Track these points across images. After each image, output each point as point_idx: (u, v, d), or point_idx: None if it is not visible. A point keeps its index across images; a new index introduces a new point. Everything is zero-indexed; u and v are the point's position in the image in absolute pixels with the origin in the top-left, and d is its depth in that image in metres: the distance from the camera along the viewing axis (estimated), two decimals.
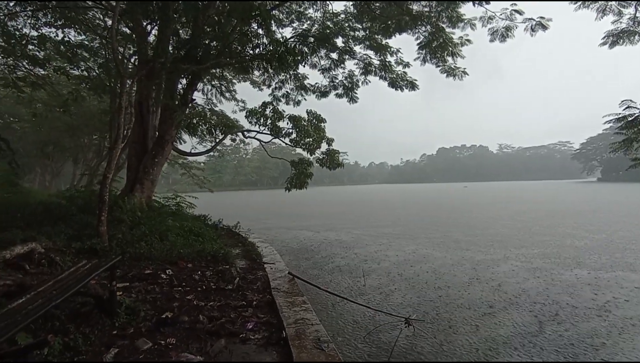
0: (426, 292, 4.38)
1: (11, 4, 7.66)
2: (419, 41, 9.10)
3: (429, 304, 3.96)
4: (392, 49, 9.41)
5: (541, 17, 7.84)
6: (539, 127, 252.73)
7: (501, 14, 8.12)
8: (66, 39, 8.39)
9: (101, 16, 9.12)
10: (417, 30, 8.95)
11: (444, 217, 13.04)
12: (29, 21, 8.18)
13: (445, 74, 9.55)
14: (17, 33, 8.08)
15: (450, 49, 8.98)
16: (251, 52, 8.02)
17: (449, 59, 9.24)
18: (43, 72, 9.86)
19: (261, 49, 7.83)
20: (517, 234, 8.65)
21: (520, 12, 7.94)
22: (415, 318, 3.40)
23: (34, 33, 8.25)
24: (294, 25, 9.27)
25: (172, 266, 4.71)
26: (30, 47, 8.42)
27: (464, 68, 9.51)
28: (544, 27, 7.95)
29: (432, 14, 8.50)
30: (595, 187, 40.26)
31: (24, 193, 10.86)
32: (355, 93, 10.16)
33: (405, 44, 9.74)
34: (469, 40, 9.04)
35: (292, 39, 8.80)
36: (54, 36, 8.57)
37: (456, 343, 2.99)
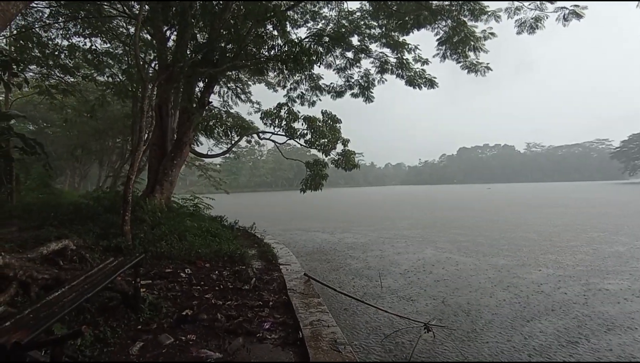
0: (446, 297, 4.20)
1: (44, 15, 8.13)
2: (438, 37, 8.80)
3: (449, 310, 3.79)
4: (409, 46, 9.15)
5: (575, 5, 7.25)
6: (573, 125, 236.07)
7: (530, 4, 7.65)
8: (93, 47, 8.82)
9: (124, 24, 9.51)
10: (436, 26, 8.64)
11: (465, 220, 12.53)
12: (60, 32, 8.67)
13: (466, 70, 9.19)
14: (51, 43, 8.59)
15: (473, 43, 8.61)
16: (266, 53, 8.07)
17: (471, 54, 8.88)
18: (73, 80, 10.42)
19: (276, 50, 7.86)
20: (548, 239, 8.10)
21: (551, 1, 7.45)
22: (435, 323, 3.26)
23: (65, 43, 8.74)
24: (309, 25, 9.23)
25: (190, 266, 4.82)
26: (61, 56, 8.92)
27: (487, 63, 9.10)
28: (579, 16, 7.32)
29: (453, 8, 8.18)
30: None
31: (56, 194, 11.56)
32: (372, 92, 9.99)
33: (423, 40, 9.47)
34: (492, 34, 8.63)
35: (307, 39, 8.78)
36: (83, 45, 9.03)
37: (480, 351, 2.83)
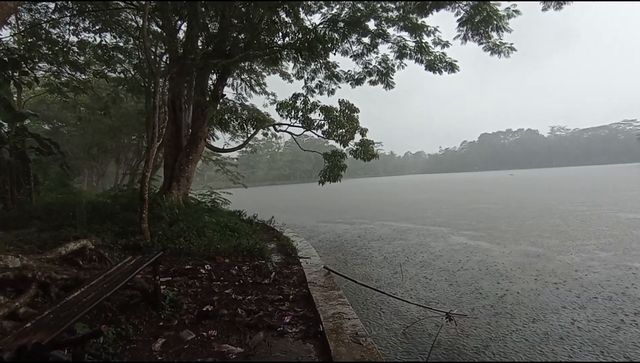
0: (470, 286, 4.13)
1: (50, 10, 7.98)
2: (458, 17, 8.27)
3: (472, 299, 3.72)
4: (429, 29, 8.64)
5: None
6: (608, 103, 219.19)
7: None
8: (103, 43, 8.67)
9: (133, 16, 9.31)
10: (456, 5, 8.12)
11: (488, 207, 12.15)
12: (69, 27, 8.54)
13: (489, 52, 8.64)
14: (60, 40, 8.48)
15: (495, 22, 8.06)
16: (280, 42, 7.78)
17: (494, 34, 8.33)
18: (84, 77, 10.35)
19: (290, 38, 7.57)
20: (574, 224, 7.79)
21: None
22: (457, 312, 3.24)
23: (74, 39, 8.61)
24: (323, 10, 8.78)
25: (210, 262, 4.80)
26: (71, 52, 8.81)
27: (511, 43, 8.53)
28: None
29: None
30: None
31: (74, 193, 11.66)
32: (391, 78, 9.51)
33: (443, 21, 8.91)
34: (516, 12, 8.07)
35: (321, 25, 8.41)
36: (92, 41, 8.90)
37: (505, 341, 2.74)
